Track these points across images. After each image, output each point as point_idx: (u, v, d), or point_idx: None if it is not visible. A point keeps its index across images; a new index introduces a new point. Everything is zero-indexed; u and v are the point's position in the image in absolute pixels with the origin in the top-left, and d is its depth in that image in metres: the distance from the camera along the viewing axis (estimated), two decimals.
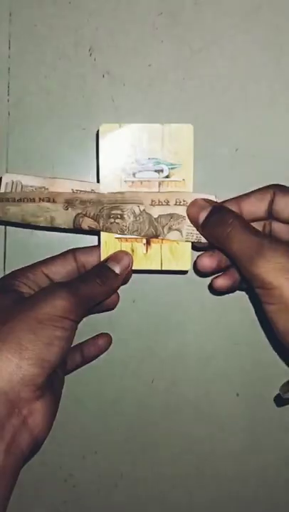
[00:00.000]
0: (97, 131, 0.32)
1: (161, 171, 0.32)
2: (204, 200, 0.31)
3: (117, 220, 0.32)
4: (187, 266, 0.33)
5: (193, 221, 0.31)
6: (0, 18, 0.36)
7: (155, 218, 0.32)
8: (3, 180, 0.32)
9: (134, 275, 0.38)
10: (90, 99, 0.37)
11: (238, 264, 0.28)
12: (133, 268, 0.33)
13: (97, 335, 0.37)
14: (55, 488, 0.40)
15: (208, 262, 0.31)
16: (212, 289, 0.35)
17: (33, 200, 0.32)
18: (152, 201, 0.32)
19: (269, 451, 0.40)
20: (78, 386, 0.39)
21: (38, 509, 0.40)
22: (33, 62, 0.36)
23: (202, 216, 0.30)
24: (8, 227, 0.38)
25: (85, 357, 0.36)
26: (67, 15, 0.36)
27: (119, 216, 0.32)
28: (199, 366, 0.39)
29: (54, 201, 0.32)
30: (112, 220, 0.32)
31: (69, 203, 0.32)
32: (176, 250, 0.33)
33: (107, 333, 0.37)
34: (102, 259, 0.32)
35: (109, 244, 0.33)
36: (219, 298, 0.38)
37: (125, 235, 0.32)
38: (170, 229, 0.32)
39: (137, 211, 0.32)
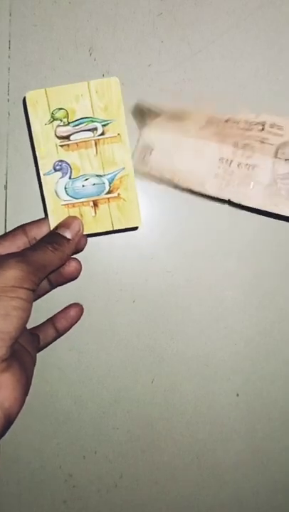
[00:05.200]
0: (24, 99, 0.31)
1: (95, 129, 0.31)
2: None
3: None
4: (138, 222, 0.32)
5: None
6: (0, 18, 0.36)
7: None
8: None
9: (133, 275, 0.38)
10: None
11: None
12: (85, 232, 0.32)
13: (67, 306, 0.36)
14: (55, 488, 0.40)
15: None
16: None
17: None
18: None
19: (269, 451, 0.40)
20: (78, 386, 0.39)
21: (38, 509, 0.40)
22: (33, 62, 0.36)
23: None
24: (7, 219, 0.38)
25: (58, 330, 0.35)
26: (67, 15, 0.36)
27: None
28: (199, 366, 0.39)
29: None
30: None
31: None
32: (124, 207, 0.32)
33: (77, 303, 0.36)
34: (51, 228, 0.32)
35: (57, 212, 0.32)
36: (219, 298, 0.38)
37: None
38: None
39: None
